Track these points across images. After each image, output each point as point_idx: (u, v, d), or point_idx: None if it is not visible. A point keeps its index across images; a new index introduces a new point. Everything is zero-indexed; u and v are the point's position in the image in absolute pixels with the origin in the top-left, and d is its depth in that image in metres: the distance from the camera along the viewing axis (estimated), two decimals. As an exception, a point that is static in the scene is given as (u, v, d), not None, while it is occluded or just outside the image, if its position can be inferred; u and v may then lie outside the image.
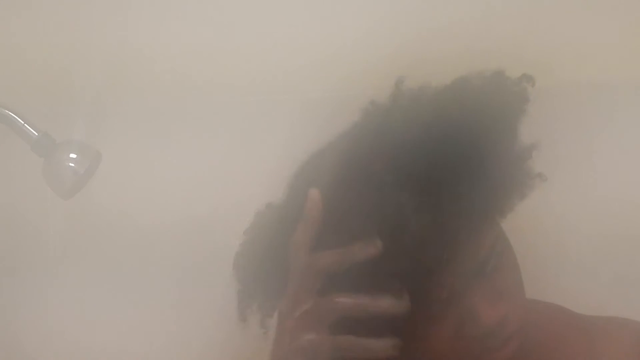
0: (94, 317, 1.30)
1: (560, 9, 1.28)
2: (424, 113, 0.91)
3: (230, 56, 1.31)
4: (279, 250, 0.91)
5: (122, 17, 1.31)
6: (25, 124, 1.13)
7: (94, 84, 1.30)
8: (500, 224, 0.93)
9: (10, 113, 1.13)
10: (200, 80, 1.32)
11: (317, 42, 1.30)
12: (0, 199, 1.32)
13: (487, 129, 0.90)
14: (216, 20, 1.32)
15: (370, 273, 0.85)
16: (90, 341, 1.29)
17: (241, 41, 1.31)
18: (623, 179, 1.26)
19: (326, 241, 0.88)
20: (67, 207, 1.20)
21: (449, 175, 0.86)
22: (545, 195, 0.94)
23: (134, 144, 1.31)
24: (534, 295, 0.99)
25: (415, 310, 0.87)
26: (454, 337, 0.90)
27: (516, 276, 0.94)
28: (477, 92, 0.93)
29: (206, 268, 1.27)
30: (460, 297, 0.89)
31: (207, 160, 1.30)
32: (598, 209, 1.26)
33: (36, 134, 1.12)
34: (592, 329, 1.04)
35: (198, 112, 1.32)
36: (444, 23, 1.29)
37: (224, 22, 1.32)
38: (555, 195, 1.04)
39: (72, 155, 1.13)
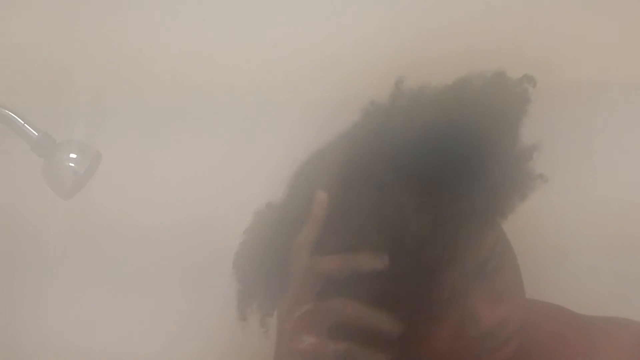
0: (94, 317, 1.30)
1: (560, 9, 1.28)
2: (424, 113, 0.91)
3: (230, 56, 1.31)
4: (278, 250, 0.91)
5: (122, 17, 1.31)
6: (25, 124, 1.13)
7: (94, 84, 1.30)
8: (500, 225, 0.93)
9: (10, 113, 1.13)
10: (200, 80, 1.32)
11: (317, 42, 1.30)
12: (0, 199, 1.32)
13: (487, 130, 0.90)
14: (216, 20, 1.32)
15: (370, 279, 0.85)
16: (90, 341, 1.29)
17: (241, 41, 1.31)
18: (623, 179, 1.26)
19: (326, 241, 0.88)
20: (67, 207, 1.20)
21: (450, 176, 0.86)
22: (545, 195, 0.93)
23: (134, 144, 1.31)
24: (534, 295, 0.99)
25: (415, 311, 0.87)
26: (454, 337, 0.90)
27: (516, 277, 0.94)
28: (478, 93, 0.93)
29: (206, 268, 1.27)
30: (460, 297, 0.89)
31: (207, 160, 1.30)
32: (598, 209, 1.26)
33: (36, 134, 1.12)
34: (592, 329, 1.04)
35: (198, 112, 1.32)
36: (443, 23, 1.29)
37: (224, 22, 1.32)
38: (555, 195, 1.04)
39: (72, 155, 1.13)
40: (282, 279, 0.91)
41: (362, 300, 0.87)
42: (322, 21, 1.31)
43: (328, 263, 0.87)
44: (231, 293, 0.96)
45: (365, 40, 1.28)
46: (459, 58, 1.21)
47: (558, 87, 1.21)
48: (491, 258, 0.90)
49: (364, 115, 0.94)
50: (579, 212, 1.26)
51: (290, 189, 0.95)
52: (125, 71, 1.32)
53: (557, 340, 1.02)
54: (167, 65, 1.32)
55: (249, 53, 1.31)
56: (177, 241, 1.30)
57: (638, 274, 1.27)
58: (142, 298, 1.29)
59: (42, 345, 1.31)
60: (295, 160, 0.96)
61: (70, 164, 1.13)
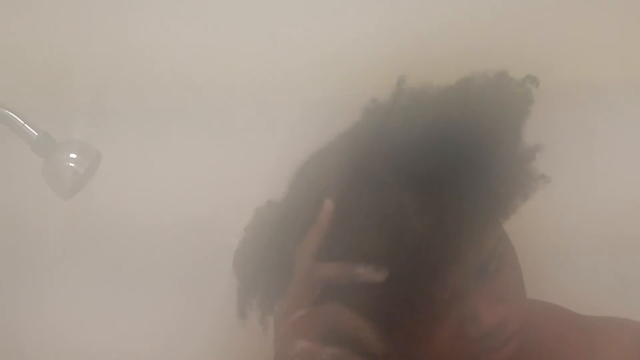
0: (93, 317, 1.30)
1: (561, 9, 1.28)
2: (425, 113, 0.90)
3: (230, 56, 1.31)
4: (278, 249, 0.91)
5: (122, 17, 1.31)
6: (25, 124, 1.13)
7: (94, 84, 1.30)
8: (502, 225, 0.93)
9: (10, 113, 1.13)
10: (200, 80, 1.32)
11: (317, 42, 1.30)
12: (0, 199, 1.32)
13: (489, 130, 0.89)
14: (216, 20, 1.32)
15: (369, 286, 0.86)
16: (90, 341, 1.29)
17: (241, 41, 1.31)
18: (623, 179, 1.26)
19: (327, 242, 0.88)
20: (67, 207, 1.20)
21: (451, 176, 0.86)
22: (546, 195, 0.93)
23: (134, 144, 1.31)
24: (534, 295, 0.99)
25: (416, 311, 0.87)
26: (454, 338, 0.90)
27: (517, 277, 0.94)
28: (480, 93, 0.92)
29: (206, 268, 1.27)
30: (461, 297, 0.89)
31: (207, 160, 1.30)
32: (598, 209, 1.26)
33: (36, 134, 1.12)
34: (592, 329, 1.04)
35: (198, 112, 1.32)
36: (443, 23, 1.29)
37: (224, 22, 1.32)
38: (555, 195, 1.04)
39: (72, 155, 1.13)
40: (282, 278, 0.90)
41: (362, 303, 0.87)
42: (322, 21, 1.31)
43: (325, 269, 0.87)
44: (231, 293, 0.96)
45: (366, 40, 1.28)
46: (459, 58, 1.21)
47: (558, 87, 1.21)
48: (492, 258, 0.90)
49: (365, 114, 0.93)
50: (578, 212, 1.26)
51: (291, 188, 0.95)
52: (125, 71, 1.32)
53: (557, 341, 1.02)
54: (167, 65, 1.32)
55: (249, 53, 1.31)
56: (177, 241, 1.30)
57: (638, 274, 1.27)
58: (142, 298, 1.29)
59: (42, 345, 1.31)
60: (295, 160, 0.95)
61: (70, 164, 1.13)
